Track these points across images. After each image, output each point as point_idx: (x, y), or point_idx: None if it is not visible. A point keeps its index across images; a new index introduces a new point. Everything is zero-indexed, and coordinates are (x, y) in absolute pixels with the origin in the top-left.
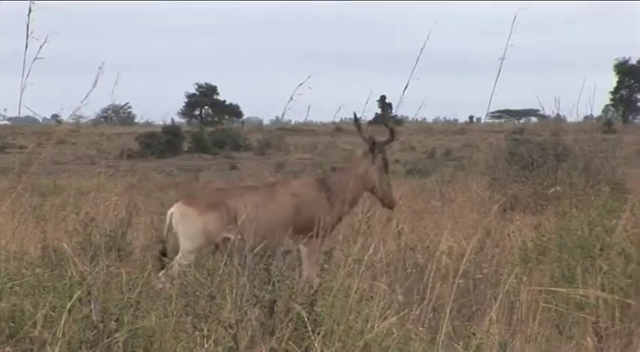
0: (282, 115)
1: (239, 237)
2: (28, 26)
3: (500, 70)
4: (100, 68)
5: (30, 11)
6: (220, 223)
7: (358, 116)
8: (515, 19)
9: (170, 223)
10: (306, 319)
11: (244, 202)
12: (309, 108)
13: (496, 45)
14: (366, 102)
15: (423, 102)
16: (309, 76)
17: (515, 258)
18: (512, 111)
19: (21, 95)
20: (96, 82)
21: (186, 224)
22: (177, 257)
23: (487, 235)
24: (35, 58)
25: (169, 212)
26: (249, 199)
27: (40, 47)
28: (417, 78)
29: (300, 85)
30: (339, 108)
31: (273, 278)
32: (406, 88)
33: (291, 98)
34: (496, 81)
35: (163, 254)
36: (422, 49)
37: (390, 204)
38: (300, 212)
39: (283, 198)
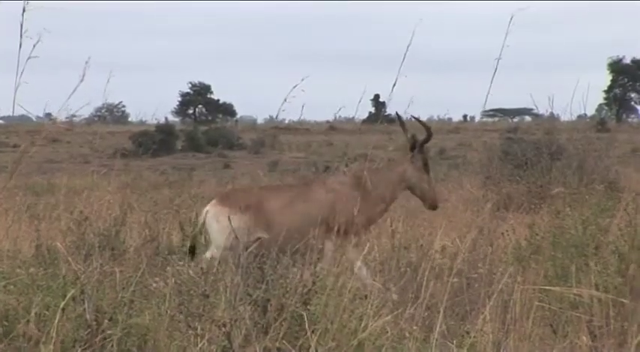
0: (277, 116)
1: (273, 235)
2: (22, 25)
3: (496, 70)
4: (86, 63)
5: (24, 10)
6: (254, 222)
7: (352, 115)
8: (511, 19)
9: (204, 221)
10: (300, 318)
11: (280, 201)
12: (302, 107)
13: (490, 44)
14: (359, 101)
15: (411, 100)
16: (303, 79)
17: (509, 257)
18: (506, 110)
19: (15, 94)
20: (83, 76)
21: (219, 222)
22: (207, 252)
23: (481, 234)
24: (29, 57)
25: (204, 210)
26: (285, 198)
27: (34, 46)
28: (405, 75)
29: (295, 87)
30: (340, 108)
31: (267, 277)
32: (394, 85)
33: (285, 100)
34: (492, 81)
35: (192, 251)
36: (408, 46)
37: (431, 205)
38: (335, 210)
39: (319, 196)
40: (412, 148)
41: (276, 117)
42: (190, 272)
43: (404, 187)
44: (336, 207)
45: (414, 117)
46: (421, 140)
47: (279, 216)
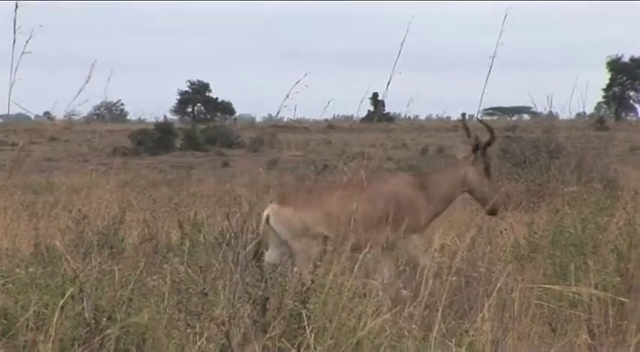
0: (278, 113)
1: (334, 234)
2: (15, 22)
3: (490, 68)
4: (92, 65)
5: (17, 7)
6: (315, 221)
7: (351, 113)
8: (505, 17)
9: (266, 223)
10: (298, 316)
11: (341, 199)
12: (295, 107)
13: (489, 42)
14: (361, 101)
15: (411, 99)
16: (306, 75)
17: (507, 256)
18: (505, 108)
19: (10, 91)
20: (89, 78)
21: (281, 223)
22: (268, 254)
23: (480, 233)
24: (23, 53)
25: (265, 212)
26: (345, 196)
27: (27, 42)
28: (399, 72)
29: (297, 82)
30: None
31: (266, 276)
32: (389, 83)
33: (287, 96)
34: (486, 80)
35: (256, 254)
36: (402, 43)
37: (491, 210)
38: (396, 209)
39: (381, 194)
40: (475, 150)
41: (277, 115)
42: (189, 271)
43: (463, 190)
44: (397, 206)
45: (480, 120)
46: (484, 143)
47: (341, 214)
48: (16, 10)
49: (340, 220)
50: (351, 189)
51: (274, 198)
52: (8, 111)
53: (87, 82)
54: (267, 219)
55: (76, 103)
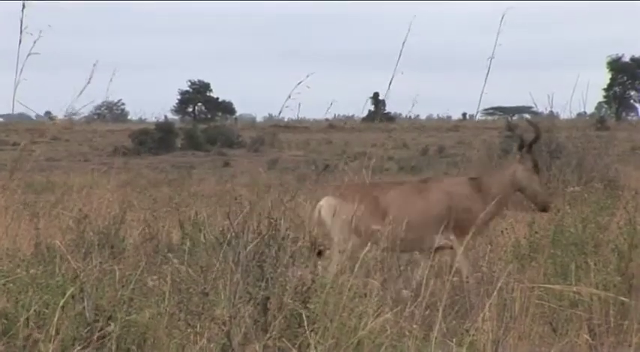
0: (280, 113)
1: (388, 229)
2: (21, 22)
3: (489, 70)
4: (94, 65)
5: (24, 7)
6: (369, 214)
7: (352, 113)
8: (502, 18)
9: (319, 216)
10: (299, 316)
11: (396, 195)
12: (299, 105)
13: (490, 42)
14: (366, 102)
15: (415, 101)
16: (308, 75)
17: (508, 256)
18: (506, 108)
19: (15, 90)
20: (90, 78)
21: (335, 215)
22: (333, 250)
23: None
24: (29, 54)
25: (318, 205)
26: (400, 194)
27: (35, 42)
28: (402, 72)
29: (299, 83)
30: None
31: (267, 275)
32: (391, 82)
33: (289, 97)
34: (485, 80)
35: (319, 252)
36: (404, 43)
37: (542, 207)
38: (452, 209)
39: (436, 195)
40: (520, 148)
41: (279, 115)
42: (190, 270)
43: (515, 189)
44: (452, 207)
45: (526, 119)
46: (529, 140)
47: (395, 210)
48: (23, 11)
49: (394, 216)
50: (408, 186)
51: (329, 191)
52: (12, 110)
53: (88, 82)
54: (320, 212)
55: (79, 104)
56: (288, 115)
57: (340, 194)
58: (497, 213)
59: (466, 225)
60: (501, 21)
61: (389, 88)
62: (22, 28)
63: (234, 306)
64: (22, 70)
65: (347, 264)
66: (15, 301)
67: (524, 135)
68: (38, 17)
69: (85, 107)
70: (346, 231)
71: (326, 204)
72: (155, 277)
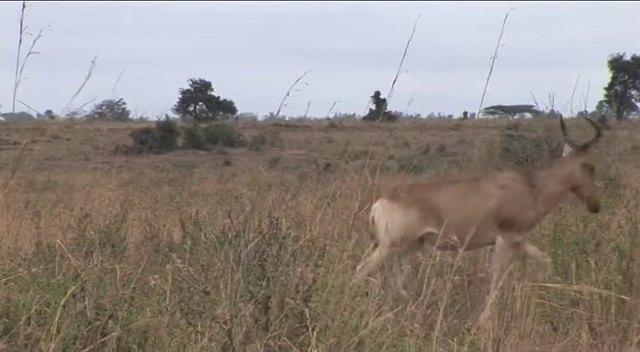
0: (278, 112)
1: (442, 231)
2: (21, 21)
3: (491, 68)
4: (92, 62)
5: (24, 6)
6: (423, 218)
7: (353, 112)
8: (506, 18)
9: (373, 219)
10: (301, 315)
11: (449, 195)
12: (309, 104)
13: (492, 40)
14: (369, 101)
15: (412, 97)
16: (306, 73)
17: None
18: (507, 107)
19: (15, 90)
20: (89, 75)
21: (388, 219)
22: (376, 251)
23: None
24: (29, 53)
25: (372, 207)
26: (455, 192)
27: (34, 41)
28: (405, 71)
29: (298, 80)
30: (334, 103)
31: (268, 274)
32: (395, 81)
33: (288, 94)
34: (487, 80)
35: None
36: (409, 42)
37: (595, 207)
38: (504, 205)
39: (489, 191)
40: (578, 149)
41: (278, 114)
42: (191, 269)
43: (571, 186)
44: (506, 203)
45: (586, 118)
46: (590, 140)
47: (449, 210)
48: (23, 10)
49: (449, 216)
50: (461, 185)
51: (383, 193)
52: (13, 109)
53: (87, 79)
54: (374, 213)
55: (80, 102)
56: (288, 114)
57: (394, 195)
58: (551, 209)
59: (518, 221)
60: (504, 21)
61: (392, 87)
62: (22, 27)
63: (235, 305)
64: (22, 69)
65: (349, 263)
66: (16, 300)
67: (569, 135)
68: (39, 16)
69: (85, 105)
70: (396, 232)
71: (380, 207)
72: (157, 276)
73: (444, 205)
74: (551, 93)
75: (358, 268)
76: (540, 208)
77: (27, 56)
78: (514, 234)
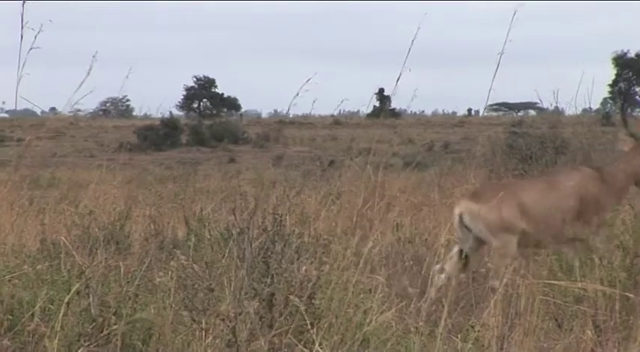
0: (288, 110)
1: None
2: (22, 17)
3: (498, 65)
4: (93, 57)
5: (24, 2)
6: (514, 215)
7: (356, 109)
8: (514, 14)
9: (460, 221)
10: (305, 312)
11: (534, 193)
12: (314, 101)
13: (495, 37)
14: (372, 98)
15: (415, 93)
16: (316, 73)
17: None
18: (511, 104)
19: (17, 86)
20: (90, 70)
21: (477, 220)
22: (492, 258)
23: None
24: (31, 48)
25: (457, 210)
26: (539, 189)
27: (35, 37)
28: (409, 69)
29: (308, 80)
30: (342, 101)
31: (272, 271)
32: (399, 78)
33: (298, 94)
34: (494, 76)
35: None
36: (413, 41)
37: None
38: (582, 202)
39: (568, 189)
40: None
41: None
42: (195, 266)
43: (634, 180)
44: (583, 198)
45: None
46: None
47: (536, 207)
48: (23, 6)
49: (535, 214)
50: (544, 182)
51: (465, 194)
52: (16, 106)
53: (88, 74)
54: (461, 217)
55: (79, 96)
56: (293, 111)
57: (478, 196)
58: (618, 203)
59: (594, 216)
60: (513, 17)
61: (397, 84)
62: (24, 23)
63: (239, 302)
64: (24, 65)
65: (352, 260)
66: (20, 297)
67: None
68: (41, 12)
69: (84, 98)
70: (498, 231)
71: (467, 210)
72: (161, 273)
73: (531, 202)
74: (556, 90)
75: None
76: (613, 203)
77: (29, 52)
78: (589, 230)
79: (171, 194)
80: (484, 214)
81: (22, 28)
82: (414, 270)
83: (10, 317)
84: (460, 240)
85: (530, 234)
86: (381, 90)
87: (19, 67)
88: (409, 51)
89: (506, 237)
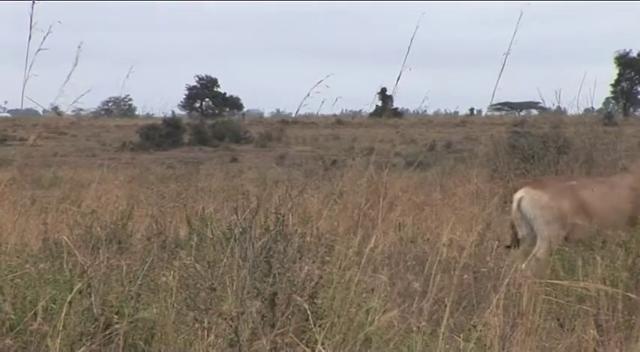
0: (297, 111)
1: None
2: (31, 17)
3: (503, 65)
4: (78, 47)
5: (33, 2)
6: (572, 207)
7: (359, 109)
8: (521, 15)
9: (518, 208)
10: (307, 311)
11: (595, 189)
12: (322, 102)
13: (497, 37)
14: (374, 97)
15: (426, 94)
16: (328, 76)
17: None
18: (513, 103)
19: (24, 86)
20: (76, 61)
21: (535, 207)
22: (537, 246)
23: (488, 228)
24: (39, 49)
25: (517, 197)
26: (600, 187)
27: (44, 38)
28: (409, 68)
29: (320, 82)
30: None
31: (274, 271)
32: (398, 78)
33: (309, 94)
34: (499, 77)
35: (514, 241)
36: (412, 39)
37: None
38: (636, 204)
39: (624, 191)
40: None
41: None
42: (197, 266)
43: None
44: (636, 202)
45: None
46: None
47: (596, 204)
48: (32, 6)
49: (594, 210)
50: (600, 183)
51: (527, 181)
52: (22, 106)
53: (75, 66)
54: (520, 202)
55: (83, 97)
56: (303, 111)
57: (541, 185)
58: None
59: None
60: (520, 18)
61: (397, 84)
62: (32, 24)
63: (241, 302)
64: (31, 65)
65: (354, 260)
66: (23, 296)
67: None
68: (49, 12)
69: (92, 102)
70: (553, 221)
71: (527, 196)
72: (163, 272)
73: (591, 198)
74: (558, 90)
75: (524, 266)
76: None
77: (36, 53)
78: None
79: (173, 193)
80: (544, 202)
81: (30, 28)
82: (416, 270)
83: (13, 316)
84: (518, 226)
85: (581, 230)
86: (384, 90)
87: (26, 68)
88: (408, 50)
89: (557, 229)
